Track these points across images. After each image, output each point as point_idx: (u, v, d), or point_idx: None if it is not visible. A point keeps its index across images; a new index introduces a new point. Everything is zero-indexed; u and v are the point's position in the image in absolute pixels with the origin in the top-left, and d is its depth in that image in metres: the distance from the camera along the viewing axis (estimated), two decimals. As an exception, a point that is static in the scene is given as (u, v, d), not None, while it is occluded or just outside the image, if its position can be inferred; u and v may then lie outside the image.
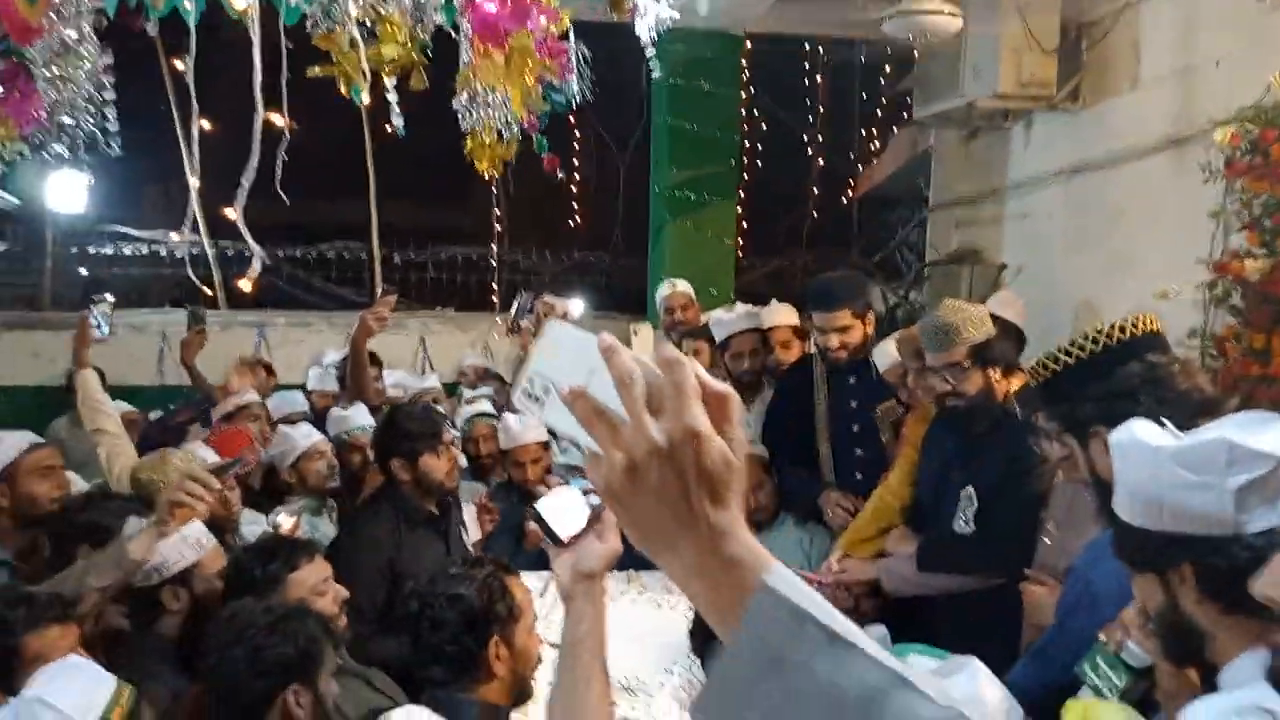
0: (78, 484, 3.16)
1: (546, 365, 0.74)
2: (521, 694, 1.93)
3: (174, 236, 6.82)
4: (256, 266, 3.04)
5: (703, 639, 1.91)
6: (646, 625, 2.75)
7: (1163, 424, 1.35)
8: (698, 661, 2.51)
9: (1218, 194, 3.72)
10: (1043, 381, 1.93)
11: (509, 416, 3.92)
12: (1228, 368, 3.54)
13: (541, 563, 2.59)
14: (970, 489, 2.80)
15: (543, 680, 2.04)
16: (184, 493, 2.15)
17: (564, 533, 1.28)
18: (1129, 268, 4.30)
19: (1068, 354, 1.87)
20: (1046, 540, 2.49)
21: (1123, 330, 1.85)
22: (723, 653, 0.66)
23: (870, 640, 0.64)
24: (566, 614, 1.32)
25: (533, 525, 1.34)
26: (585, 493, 1.28)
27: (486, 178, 4.08)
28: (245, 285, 3.39)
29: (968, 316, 2.79)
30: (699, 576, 0.68)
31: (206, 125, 5.77)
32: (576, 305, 4.70)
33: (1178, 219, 4.04)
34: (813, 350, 3.74)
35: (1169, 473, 1.29)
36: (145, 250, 7.23)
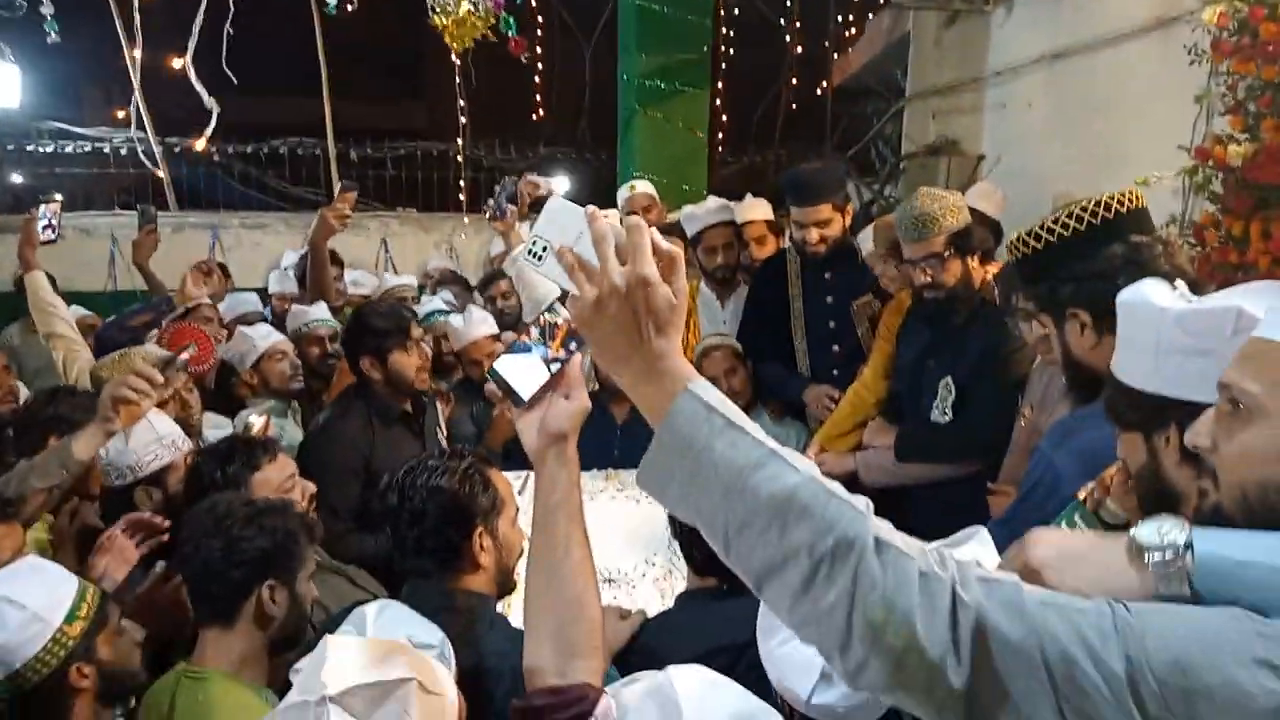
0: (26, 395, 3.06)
1: (546, 230, 0.99)
2: (505, 585, 1.90)
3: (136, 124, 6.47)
4: (213, 122, 2.86)
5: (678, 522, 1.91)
6: (626, 519, 2.73)
7: (1175, 287, 1.30)
8: (677, 551, 2.51)
9: (1203, 78, 3.64)
10: (1022, 258, 1.86)
11: (454, 317, 3.82)
12: (1206, 255, 3.52)
13: (512, 464, 2.58)
14: (948, 379, 2.79)
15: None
16: (127, 388, 2.06)
17: (525, 391, 1.25)
18: (1111, 157, 4.23)
19: (1050, 231, 1.80)
20: (1021, 422, 2.49)
21: (1107, 208, 1.78)
22: (652, 443, 0.93)
23: (760, 430, 0.91)
24: (538, 479, 1.27)
25: (492, 386, 1.28)
26: (547, 361, 1.24)
27: (456, 59, 3.88)
28: (199, 144, 3.25)
29: (945, 205, 2.72)
30: (643, 383, 0.94)
31: None
32: (560, 183, 4.57)
33: (1161, 105, 3.96)
34: (787, 245, 3.65)
35: (1171, 335, 1.26)
36: (89, 149, 6.89)
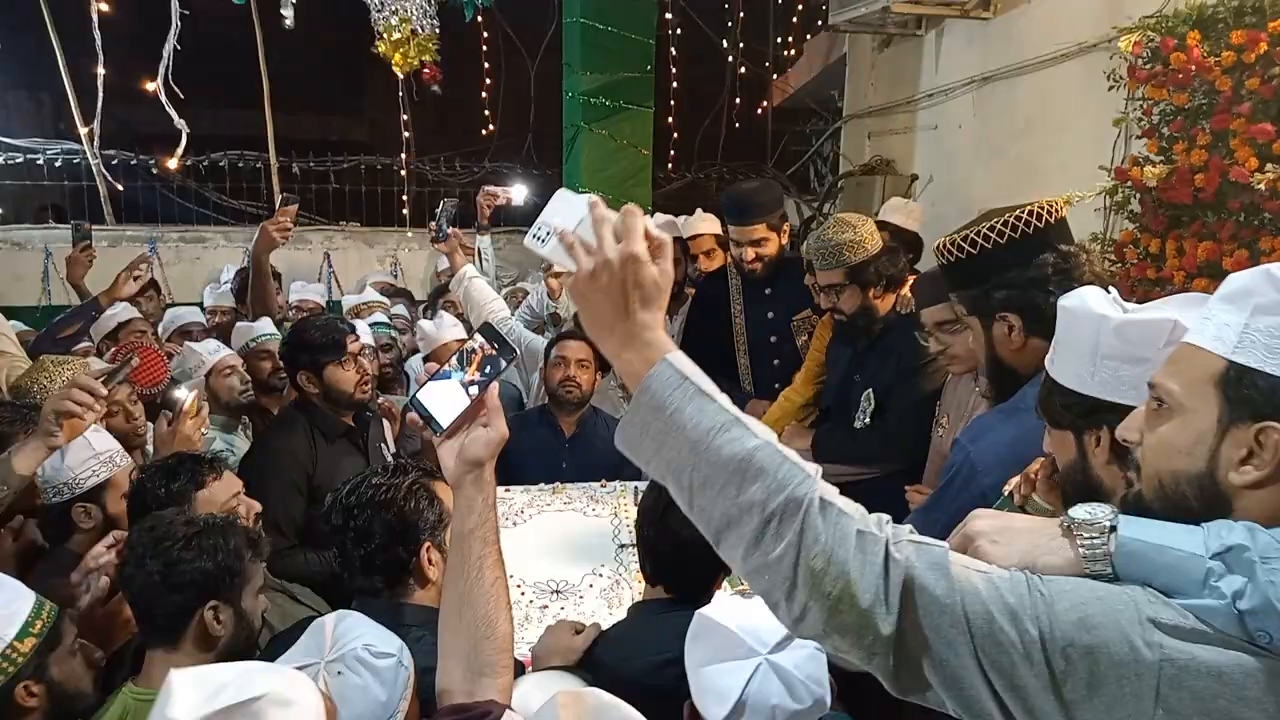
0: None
1: (551, 217, 1.10)
2: None
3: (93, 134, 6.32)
4: (183, 142, 2.84)
5: (639, 532, 1.95)
6: (573, 531, 2.76)
7: (1109, 293, 1.39)
8: (624, 562, 2.56)
9: (1120, 102, 3.83)
10: (953, 263, 1.93)
11: (423, 322, 3.85)
12: (1125, 271, 3.70)
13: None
14: (870, 391, 2.91)
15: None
16: (69, 400, 1.98)
17: (444, 419, 1.30)
18: (1036, 176, 4.41)
19: (984, 238, 1.86)
20: (940, 432, 2.59)
21: (1037, 217, 1.85)
22: (631, 402, 1.03)
23: (728, 400, 1.01)
24: (455, 504, 1.33)
25: (413, 415, 1.37)
26: (465, 385, 1.30)
27: (398, 80, 3.89)
28: (172, 164, 3.18)
29: (850, 239, 2.83)
30: (627, 350, 1.04)
31: (105, 7, 5.36)
32: (519, 191, 4.58)
33: (1083, 127, 4.14)
34: (729, 261, 3.74)
35: (1109, 342, 1.34)
36: (19, 160, 6.69)
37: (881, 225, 4.49)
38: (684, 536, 1.78)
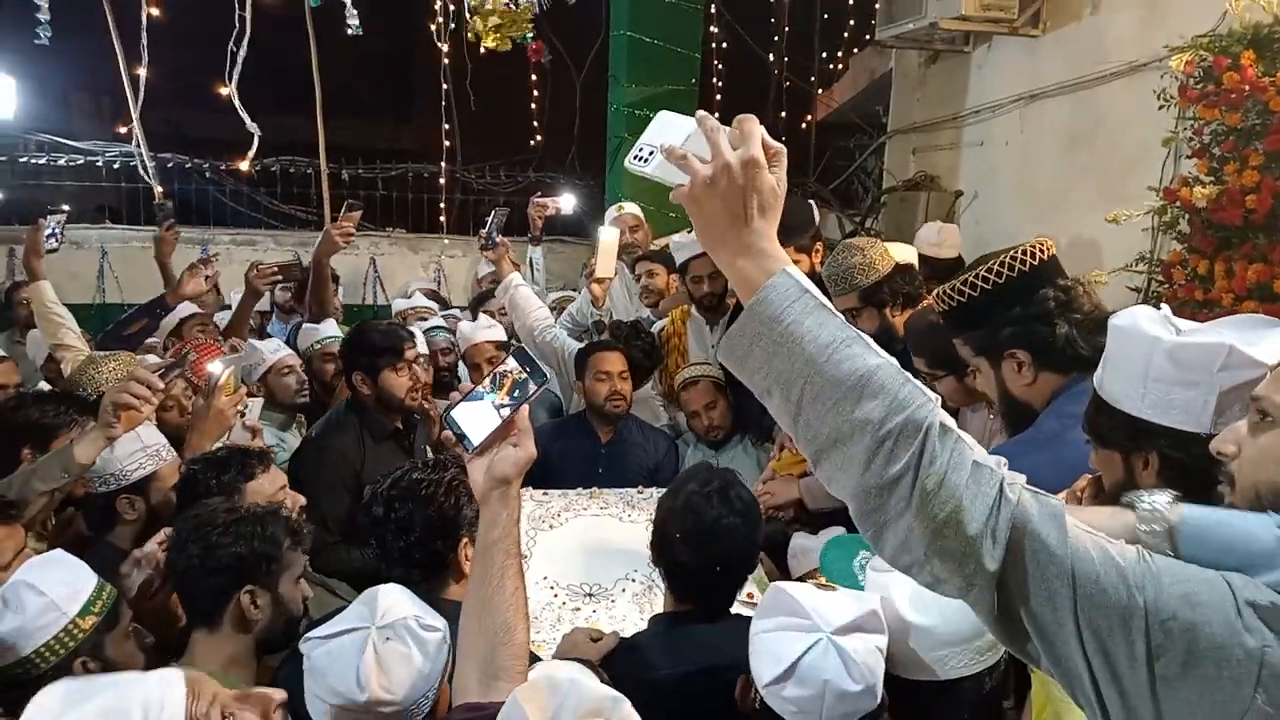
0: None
1: (653, 138, 1.07)
2: None
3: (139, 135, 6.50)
4: (254, 146, 2.91)
5: (660, 549, 1.93)
6: (608, 536, 2.77)
7: (1166, 316, 1.39)
8: (657, 570, 2.57)
9: (1171, 122, 3.78)
10: (956, 307, 1.95)
11: (463, 323, 3.90)
12: (1172, 292, 3.65)
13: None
14: None
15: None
16: (127, 394, 2.06)
17: (475, 437, 1.35)
18: (1085, 194, 4.37)
19: (985, 280, 1.90)
20: None
21: (1032, 256, 1.90)
22: (744, 312, 1.01)
23: (842, 317, 0.99)
24: (481, 517, 1.39)
25: (447, 432, 1.43)
26: (497, 406, 1.35)
27: (445, 89, 3.97)
28: (244, 165, 3.28)
29: (859, 262, 2.84)
30: (742, 257, 1.02)
31: (155, 11, 5.53)
32: (568, 200, 4.65)
33: (1132, 146, 4.10)
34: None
35: (1161, 365, 1.33)
36: (80, 161, 6.91)
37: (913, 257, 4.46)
38: (716, 555, 1.80)
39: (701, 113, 1.05)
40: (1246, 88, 3.27)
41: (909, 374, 0.98)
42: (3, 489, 2.07)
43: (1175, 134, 3.76)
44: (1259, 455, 1.02)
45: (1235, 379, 1.29)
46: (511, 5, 5.05)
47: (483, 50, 5.94)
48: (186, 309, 4.03)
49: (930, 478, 0.91)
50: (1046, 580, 0.91)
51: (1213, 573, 0.92)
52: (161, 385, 2.12)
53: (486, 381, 1.38)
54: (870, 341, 0.98)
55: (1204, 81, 3.47)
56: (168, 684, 1.15)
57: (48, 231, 3.46)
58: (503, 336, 3.71)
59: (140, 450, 2.34)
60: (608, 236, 3.92)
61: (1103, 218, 3.76)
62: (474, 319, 4.52)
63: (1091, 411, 1.49)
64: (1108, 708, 0.90)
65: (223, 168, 7.17)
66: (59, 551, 1.82)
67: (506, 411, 1.35)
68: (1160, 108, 3.72)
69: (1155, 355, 1.34)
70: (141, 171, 6.50)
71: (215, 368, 2.67)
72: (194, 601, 1.80)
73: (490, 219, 4.01)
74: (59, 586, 1.69)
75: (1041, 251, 1.89)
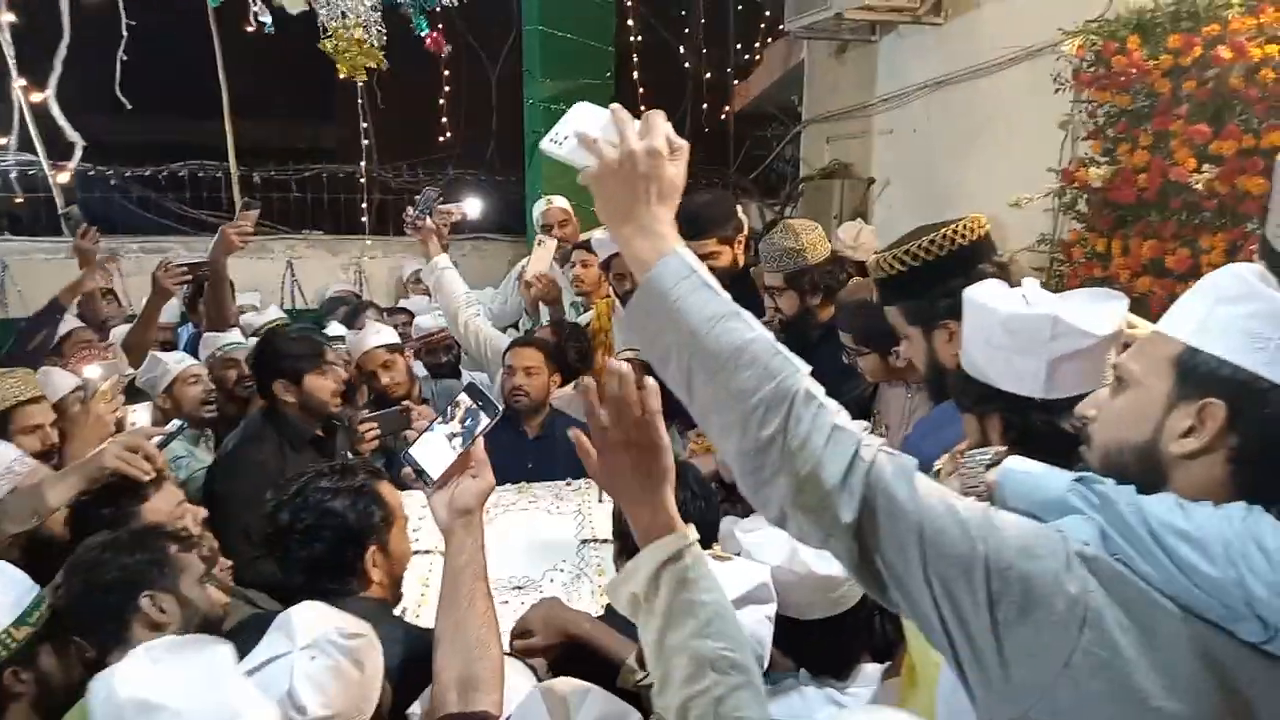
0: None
1: (569, 124, 1.17)
2: (395, 595, 1.95)
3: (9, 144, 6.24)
4: (76, 154, 2.81)
5: (626, 538, 1.93)
6: (536, 529, 2.78)
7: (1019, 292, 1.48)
8: (585, 558, 2.59)
9: (1067, 105, 3.93)
10: (894, 276, 2.01)
11: (348, 332, 3.81)
12: (1074, 271, 3.80)
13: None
14: None
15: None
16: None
17: (435, 471, 1.44)
18: (989, 179, 4.50)
19: (926, 251, 1.95)
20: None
21: (971, 232, 1.97)
22: (638, 288, 1.09)
23: (726, 294, 1.07)
24: (447, 545, 1.49)
25: (407, 469, 1.49)
26: (449, 436, 1.45)
27: (359, 87, 3.91)
28: (64, 177, 3.14)
29: (792, 246, 2.92)
30: (639, 238, 1.11)
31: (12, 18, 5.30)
32: (472, 204, 4.62)
33: (1032, 130, 4.25)
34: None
35: (998, 334, 1.46)
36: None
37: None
38: None
39: (615, 105, 1.16)
40: (1134, 70, 3.42)
41: (781, 346, 1.06)
42: None
43: (1070, 117, 3.91)
44: (1110, 416, 1.11)
45: (1064, 348, 1.41)
46: (366, 36, 5.01)
47: (340, 76, 5.87)
48: (68, 324, 3.89)
49: (795, 439, 1.00)
50: (897, 532, 0.99)
51: (1049, 527, 1.01)
52: (160, 459, 2.18)
53: (439, 417, 1.48)
54: (749, 317, 1.07)
55: (1095, 65, 3.62)
56: None
57: None
58: (394, 339, 3.60)
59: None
60: (547, 241, 4.03)
61: (1005, 201, 3.88)
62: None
63: (954, 378, 1.62)
64: (957, 650, 0.98)
65: (127, 174, 6.94)
66: (1, 562, 1.79)
67: (460, 443, 1.43)
68: (1056, 91, 3.87)
69: (993, 324, 1.47)
70: (51, 181, 6.26)
71: (93, 372, 2.59)
72: (98, 630, 1.74)
73: (421, 196, 3.96)
74: None
75: (979, 228, 1.96)
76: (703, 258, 3.28)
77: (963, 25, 4.80)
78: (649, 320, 1.09)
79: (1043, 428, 1.40)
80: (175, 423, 2.85)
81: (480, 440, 1.46)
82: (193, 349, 3.88)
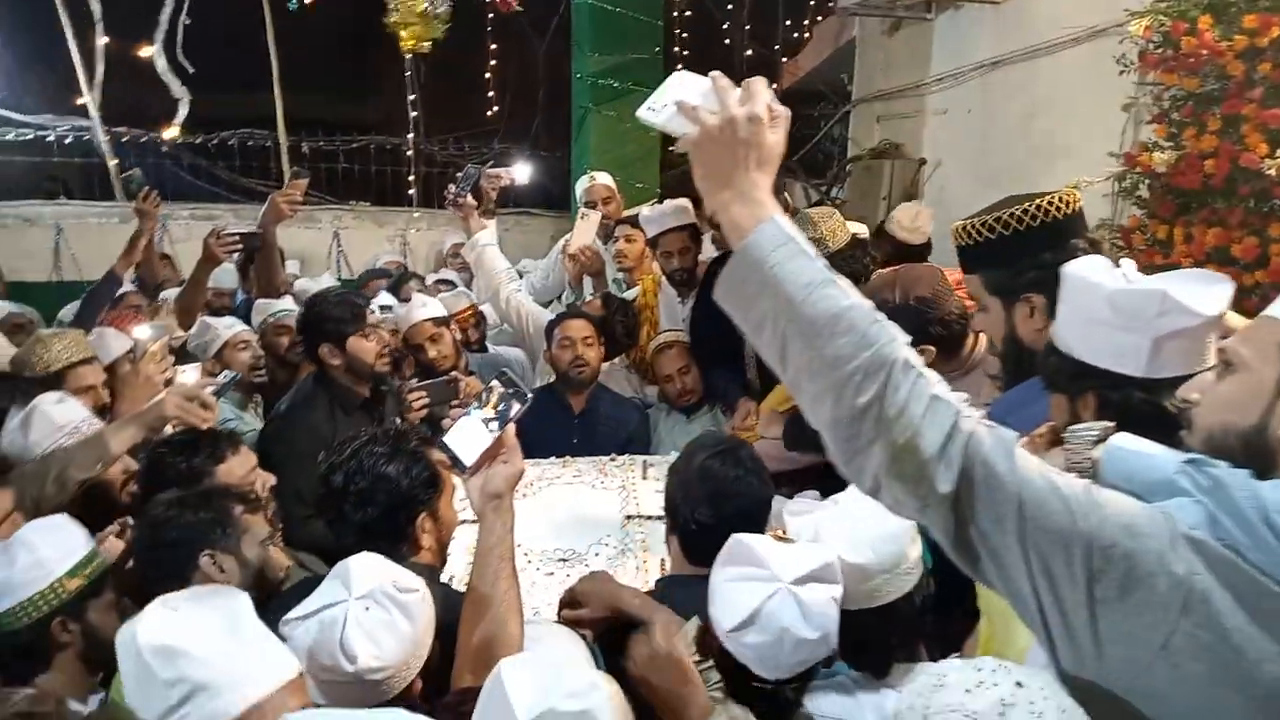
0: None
1: (666, 93, 1.18)
2: (442, 559, 1.96)
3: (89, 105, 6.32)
4: (183, 112, 2.87)
5: (676, 514, 1.91)
6: (581, 504, 2.79)
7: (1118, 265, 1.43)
8: (630, 534, 2.59)
9: (1131, 87, 3.83)
10: (980, 243, 1.93)
11: (397, 305, 3.80)
12: (1133, 257, 3.71)
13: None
14: None
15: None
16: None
17: (468, 459, 1.51)
18: (1046, 161, 4.41)
19: (1017, 220, 1.87)
20: None
21: (1064, 203, 1.89)
22: (734, 255, 1.09)
23: (824, 262, 1.07)
24: (480, 527, 1.57)
25: (439, 455, 1.62)
26: (485, 421, 1.51)
27: (407, 60, 3.91)
28: (169, 133, 3.20)
29: (811, 236, 2.87)
30: (737, 204, 1.11)
31: None
32: (522, 170, 4.62)
33: (1092, 113, 4.14)
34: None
35: (1102, 310, 1.40)
36: (30, 136, 6.73)
37: (881, 233, 4.48)
38: (738, 514, 1.81)
39: (716, 73, 1.15)
40: (1205, 52, 3.31)
41: (880, 314, 1.04)
42: (40, 481, 2.10)
43: (1135, 99, 3.81)
44: (1216, 400, 1.08)
45: (1171, 325, 1.35)
46: (430, 8, 5.00)
47: (405, 51, 5.89)
48: (124, 288, 3.95)
49: (892, 407, 0.99)
50: (995, 504, 0.98)
51: (1153, 507, 0.98)
52: (215, 406, 2.26)
53: (475, 403, 1.54)
54: (846, 284, 1.06)
55: (1163, 46, 3.51)
56: None
57: None
58: (441, 312, 3.56)
59: (56, 430, 2.33)
60: (590, 215, 3.98)
61: (1063, 185, 3.79)
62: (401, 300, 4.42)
63: (1044, 356, 1.56)
64: (1050, 626, 0.97)
65: (179, 141, 7.03)
66: (62, 515, 1.86)
67: (495, 427, 1.50)
68: (1120, 73, 3.76)
69: (1097, 300, 1.41)
70: (105, 147, 6.35)
71: (143, 333, 2.62)
72: (160, 584, 1.75)
73: (462, 174, 3.97)
74: (50, 547, 1.75)
75: (1074, 202, 1.89)
76: None
77: (1021, 4, 4.69)
78: (744, 286, 1.09)
79: (1143, 407, 1.35)
80: (228, 373, 2.88)
81: (512, 426, 1.52)
82: (245, 315, 3.93)
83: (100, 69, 5.93)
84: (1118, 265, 1.54)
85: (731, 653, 1.45)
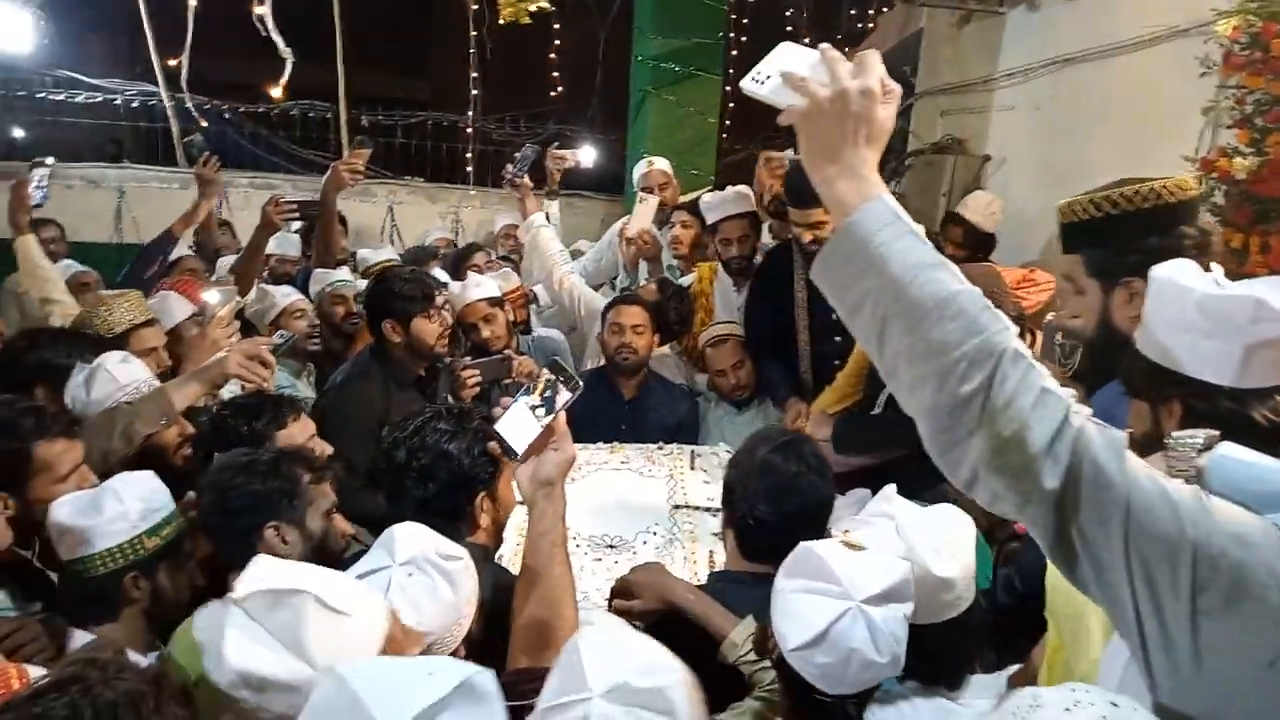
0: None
1: (772, 63, 1.14)
2: (498, 541, 1.97)
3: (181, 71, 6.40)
4: (287, 71, 2.92)
5: (734, 508, 1.90)
6: (628, 490, 2.78)
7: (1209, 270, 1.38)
8: (678, 523, 2.57)
9: (1212, 90, 3.70)
10: (1084, 222, 1.87)
11: (453, 283, 3.83)
12: (1204, 266, 3.59)
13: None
14: None
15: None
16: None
17: (519, 446, 1.51)
18: (1116, 163, 4.22)
19: (1128, 200, 1.80)
20: None
21: (1180, 189, 1.83)
22: (837, 232, 1.06)
23: (930, 244, 1.03)
24: (530, 515, 1.56)
25: (492, 443, 1.61)
26: (532, 407, 1.51)
27: (472, 40, 3.92)
28: (276, 91, 3.19)
29: None
30: (843, 180, 1.07)
31: None
32: (587, 153, 4.63)
33: (1168, 115, 4.02)
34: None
35: (1190, 315, 1.34)
36: (98, 99, 6.85)
37: (955, 218, 4.41)
38: (798, 512, 1.79)
39: (825, 45, 1.12)
40: (1295, 56, 3.19)
41: (989, 302, 1.00)
42: (107, 434, 2.16)
43: (1215, 103, 3.68)
44: None
45: (1264, 334, 1.30)
46: None
47: (500, 21, 5.89)
48: (179, 251, 4.01)
49: (999, 397, 0.95)
50: (1102, 505, 0.94)
51: (1264, 519, 0.94)
52: (274, 365, 2.34)
53: (523, 390, 1.55)
54: (955, 269, 1.02)
55: (1250, 48, 3.39)
56: None
57: (33, 184, 3.41)
58: (495, 292, 3.56)
59: (119, 389, 2.36)
60: (649, 199, 3.97)
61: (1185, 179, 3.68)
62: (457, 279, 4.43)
63: (1127, 361, 1.50)
64: (1146, 634, 0.93)
65: (241, 110, 7.12)
66: (150, 473, 1.90)
67: (542, 414, 1.50)
68: (1202, 75, 3.64)
69: (1186, 306, 1.35)
70: (170, 112, 6.45)
71: (212, 297, 2.65)
72: (225, 546, 1.83)
73: (518, 155, 3.98)
74: (137, 501, 1.78)
75: (1187, 189, 1.83)
76: (810, 227, 3.28)
77: (1100, 0, 4.55)
78: (845, 266, 1.05)
79: (1231, 417, 1.29)
80: (283, 332, 2.91)
81: (563, 414, 1.52)
82: (303, 284, 3.97)
83: (189, 33, 6.01)
84: (1208, 270, 1.48)
85: (793, 666, 1.41)
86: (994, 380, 0.95)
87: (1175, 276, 1.38)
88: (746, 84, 1.16)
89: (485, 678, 1.00)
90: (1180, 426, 1.35)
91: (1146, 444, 1.41)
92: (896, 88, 1.09)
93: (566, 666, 1.13)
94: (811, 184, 3.27)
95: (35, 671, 1.28)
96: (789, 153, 4.03)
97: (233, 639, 1.19)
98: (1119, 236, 1.83)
